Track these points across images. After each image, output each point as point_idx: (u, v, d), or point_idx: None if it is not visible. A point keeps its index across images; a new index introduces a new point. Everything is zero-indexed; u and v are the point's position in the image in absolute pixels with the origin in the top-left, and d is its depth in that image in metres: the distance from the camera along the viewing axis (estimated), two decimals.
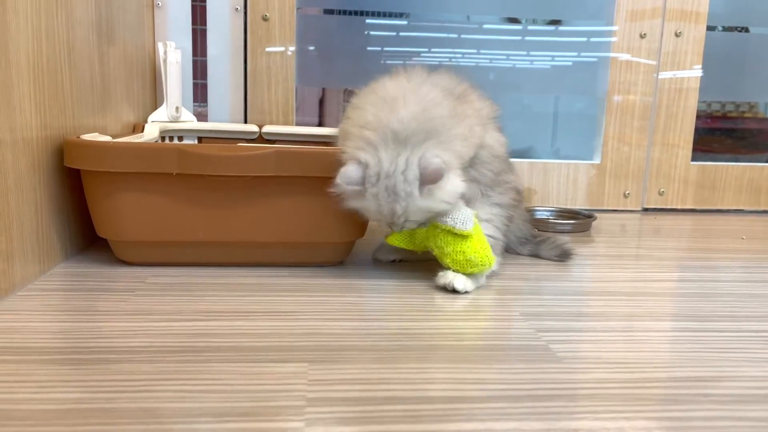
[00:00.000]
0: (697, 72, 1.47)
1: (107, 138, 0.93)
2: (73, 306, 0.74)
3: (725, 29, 1.55)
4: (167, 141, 1.33)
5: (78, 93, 0.95)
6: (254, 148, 0.85)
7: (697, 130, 1.52)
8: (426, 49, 1.50)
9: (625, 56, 1.46)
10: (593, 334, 0.71)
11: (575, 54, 1.52)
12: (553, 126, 1.63)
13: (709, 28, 1.51)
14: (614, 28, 1.45)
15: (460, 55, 1.49)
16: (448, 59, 1.49)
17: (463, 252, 0.82)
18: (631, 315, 0.78)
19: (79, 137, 0.87)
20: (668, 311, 0.81)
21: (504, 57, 1.51)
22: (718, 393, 0.57)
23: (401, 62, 1.48)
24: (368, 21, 1.48)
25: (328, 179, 0.87)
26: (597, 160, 1.51)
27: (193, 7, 1.38)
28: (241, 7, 1.38)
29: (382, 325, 0.71)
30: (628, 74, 1.46)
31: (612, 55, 1.45)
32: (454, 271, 0.85)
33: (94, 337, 0.65)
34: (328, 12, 1.53)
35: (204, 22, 1.38)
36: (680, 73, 1.47)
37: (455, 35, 1.49)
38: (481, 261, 0.83)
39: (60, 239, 0.90)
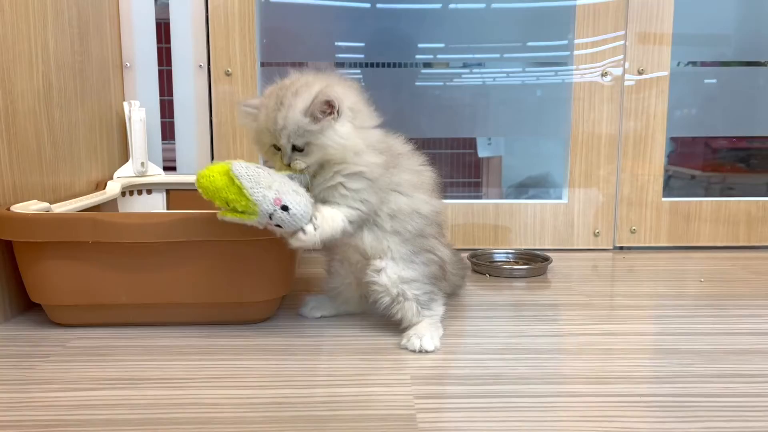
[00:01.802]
0: (662, 106, 1.45)
1: (44, 205, 0.98)
2: None
3: (746, 64, 1.55)
4: (135, 195, 1.39)
5: (21, 161, 1.01)
6: (164, 215, 0.89)
7: (718, 151, 1.46)
8: (468, 71, 1.55)
9: (587, 93, 1.44)
10: (473, 401, 0.71)
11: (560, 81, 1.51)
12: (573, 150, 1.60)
13: (728, 63, 1.53)
14: (572, 67, 1.44)
15: (504, 74, 1.52)
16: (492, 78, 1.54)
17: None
18: (525, 377, 0.78)
19: (8, 209, 0.92)
20: (570, 372, 0.79)
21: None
22: None
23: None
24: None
25: (237, 242, 0.90)
26: (564, 200, 1.49)
27: (160, 59, 1.44)
28: (204, 63, 1.43)
29: (260, 393, 0.73)
30: (592, 111, 1.45)
31: (574, 80, 1.44)
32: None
33: None
34: (292, 65, 1.58)
35: (170, 62, 1.44)
36: (647, 108, 1.45)
37: (496, 54, 1.53)
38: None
39: None
